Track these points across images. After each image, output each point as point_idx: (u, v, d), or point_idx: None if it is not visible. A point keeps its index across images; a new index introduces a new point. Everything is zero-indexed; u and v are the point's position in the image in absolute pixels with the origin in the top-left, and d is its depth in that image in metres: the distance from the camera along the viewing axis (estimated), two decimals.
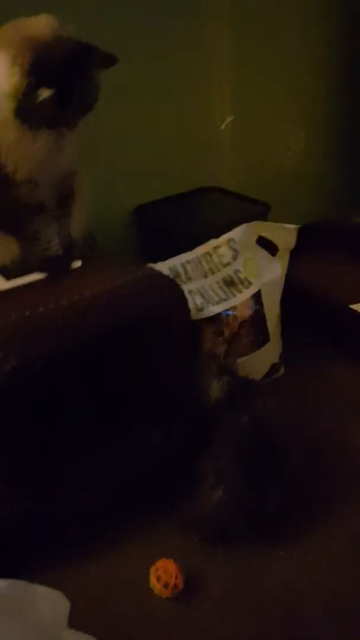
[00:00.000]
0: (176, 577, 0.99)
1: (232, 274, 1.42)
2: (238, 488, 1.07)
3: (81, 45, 0.96)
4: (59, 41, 0.94)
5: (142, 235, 1.69)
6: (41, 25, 0.95)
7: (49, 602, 0.77)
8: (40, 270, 1.11)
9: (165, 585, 0.99)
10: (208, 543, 1.08)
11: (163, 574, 0.99)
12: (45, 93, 0.91)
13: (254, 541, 1.07)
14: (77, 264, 1.15)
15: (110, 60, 0.99)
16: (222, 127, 1.76)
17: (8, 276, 1.11)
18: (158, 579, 1.00)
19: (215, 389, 1.15)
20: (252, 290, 1.43)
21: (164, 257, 1.40)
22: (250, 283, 1.43)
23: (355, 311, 1.61)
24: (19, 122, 0.95)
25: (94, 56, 0.97)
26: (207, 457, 1.12)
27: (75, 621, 0.83)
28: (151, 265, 1.29)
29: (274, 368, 1.51)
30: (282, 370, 1.53)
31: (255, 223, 1.43)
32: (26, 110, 0.94)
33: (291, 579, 1.03)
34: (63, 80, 0.93)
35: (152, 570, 1.01)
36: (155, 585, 1.00)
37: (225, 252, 1.41)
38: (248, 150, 1.84)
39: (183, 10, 1.61)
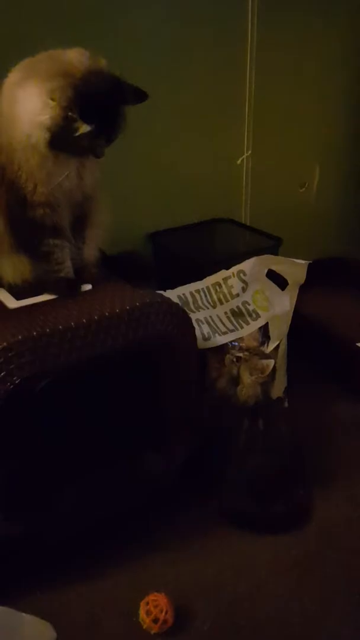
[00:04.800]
0: (166, 613, 0.97)
1: (241, 306, 1.42)
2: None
3: (117, 82, 0.98)
4: (96, 77, 0.96)
5: (156, 261, 1.70)
6: (77, 59, 0.97)
7: (36, 631, 0.75)
8: (51, 291, 1.12)
9: (155, 620, 0.97)
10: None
11: (153, 609, 0.97)
12: (84, 128, 0.94)
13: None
14: (87, 287, 1.15)
15: (141, 96, 1.01)
16: (239, 162, 1.79)
17: (18, 295, 1.11)
18: (148, 613, 0.97)
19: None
20: (260, 322, 1.42)
21: (175, 284, 1.41)
22: (258, 315, 1.43)
23: None
24: (49, 150, 0.97)
25: (128, 93, 0.99)
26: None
27: None
28: (160, 292, 1.30)
29: (277, 402, 1.49)
30: (285, 404, 1.52)
31: (266, 256, 1.44)
32: (60, 141, 0.96)
33: (283, 608, 1.02)
34: (100, 116, 0.95)
35: (142, 603, 0.99)
36: (144, 619, 0.98)
37: (235, 284, 1.41)
38: (263, 185, 1.87)
39: (210, 51, 1.65)
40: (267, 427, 1.21)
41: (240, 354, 1.25)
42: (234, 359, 1.26)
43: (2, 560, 1.04)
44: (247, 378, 1.22)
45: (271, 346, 1.42)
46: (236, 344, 1.39)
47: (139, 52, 1.51)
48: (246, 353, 1.26)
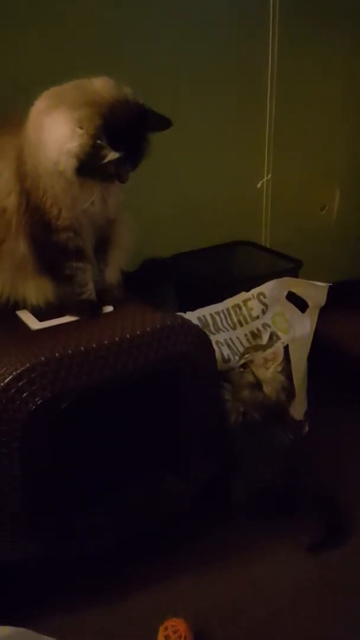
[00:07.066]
0: (185, 639, 0.96)
1: (261, 327, 1.43)
2: None
3: (142, 109, 1.01)
4: (123, 106, 0.98)
5: (177, 283, 1.71)
6: (103, 88, 1.00)
7: None
8: (73, 313, 1.14)
9: None
10: None
11: (172, 634, 0.96)
12: (112, 155, 0.96)
13: None
14: (109, 309, 1.17)
15: (165, 123, 1.03)
16: (259, 185, 1.81)
17: (41, 317, 1.13)
18: (167, 639, 0.96)
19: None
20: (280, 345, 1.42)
21: (195, 306, 1.42)
22: (278, 338, 1.42)
23: None
24: (75, 177, 0.99)
25: (153, 120, 1.02)
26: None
27: None
28: (180, 314, 1.31)
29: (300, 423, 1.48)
30: (306, 428, 1.51)
31: (286, 279, 1.44)
32: (88, 168, 0.98)
33: (304, 634, 1.00)
34: (127, 143, 0.98)
35: (161, 628, 0.98)
36: None
37: (255, 306, 1.41)
38: (283, 208, 1.88)
39: (231, 75, 1.68)
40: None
41: (243, 360, 1.24)
42: (241, 369, 1.24)
43: (22, 580, 1.04)
44: (264, 374, 1.20)
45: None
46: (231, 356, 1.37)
47: (162, 79, 1.55)
48: (247, 356, 1.24)
